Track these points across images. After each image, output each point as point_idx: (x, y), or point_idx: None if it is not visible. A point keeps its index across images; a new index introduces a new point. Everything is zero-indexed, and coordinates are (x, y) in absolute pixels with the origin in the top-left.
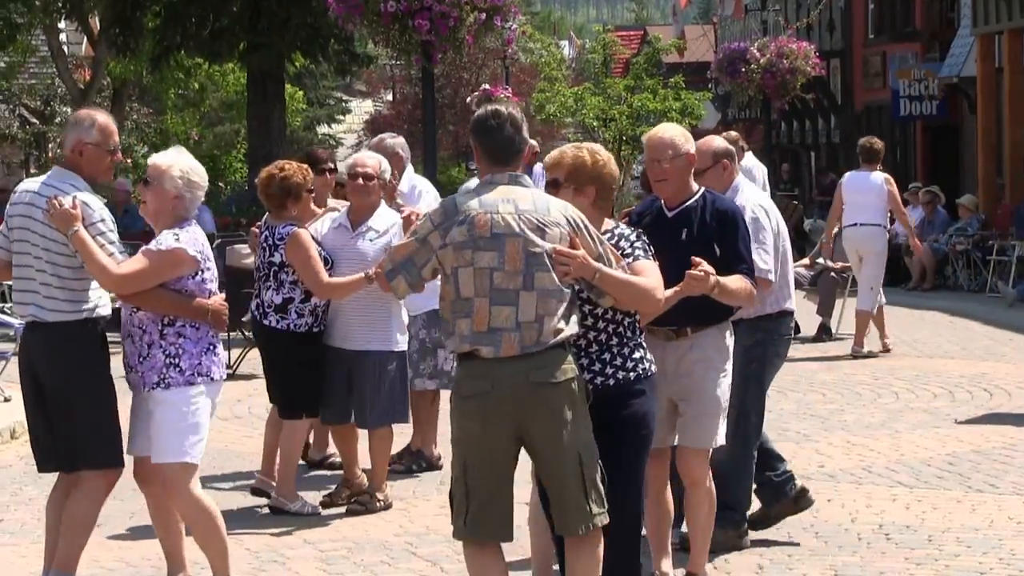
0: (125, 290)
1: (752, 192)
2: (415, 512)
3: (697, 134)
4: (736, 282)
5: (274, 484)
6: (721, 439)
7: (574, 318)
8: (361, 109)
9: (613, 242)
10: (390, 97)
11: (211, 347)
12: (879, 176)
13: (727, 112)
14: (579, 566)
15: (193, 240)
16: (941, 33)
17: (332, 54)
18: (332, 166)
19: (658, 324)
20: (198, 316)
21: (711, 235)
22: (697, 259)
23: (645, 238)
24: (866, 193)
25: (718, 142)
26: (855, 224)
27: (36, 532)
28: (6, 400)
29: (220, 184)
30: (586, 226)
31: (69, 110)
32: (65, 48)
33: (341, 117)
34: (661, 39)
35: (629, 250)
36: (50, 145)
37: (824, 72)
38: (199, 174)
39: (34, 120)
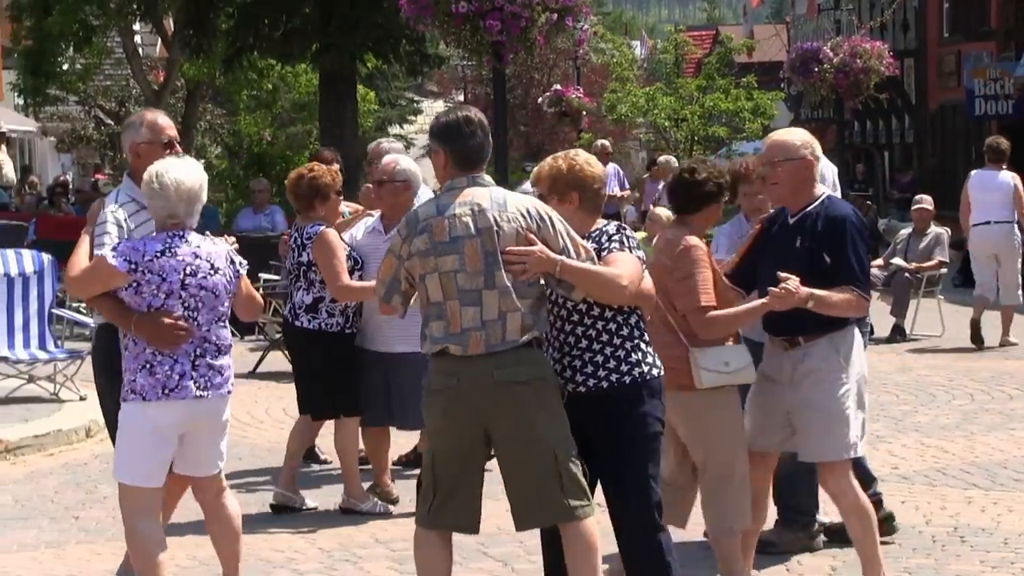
0: (73, 291)
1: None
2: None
3: (769, 134)
4: (838, 294)
5: (295, 497)
6: (852, 450)
7: (542, 315)
8: (432, 110)
9: (594, 239)
10: (461, 98)
11: (147, 365)
12: (1007, 175)
13: (799, 112)
14: (574, 552)
15: (130, 250)
16: (1017, 32)
17: (403, 55)
18: (339, 166)
19: (774, 333)
20: (131, 330)
21: (823, 243)
22: (783, 274)
23: (628, 234)
24: (993, 191)
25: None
26: (987, 223)
27: (111, 530)
28: (82, 399)
29: None
30: (550, 219)
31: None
32: (140, 50)
33: (412, 118)
34: (733, 39)
35: (606, 244)
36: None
37: (898, 72)
38: (163, 182)
39: (109, 121)
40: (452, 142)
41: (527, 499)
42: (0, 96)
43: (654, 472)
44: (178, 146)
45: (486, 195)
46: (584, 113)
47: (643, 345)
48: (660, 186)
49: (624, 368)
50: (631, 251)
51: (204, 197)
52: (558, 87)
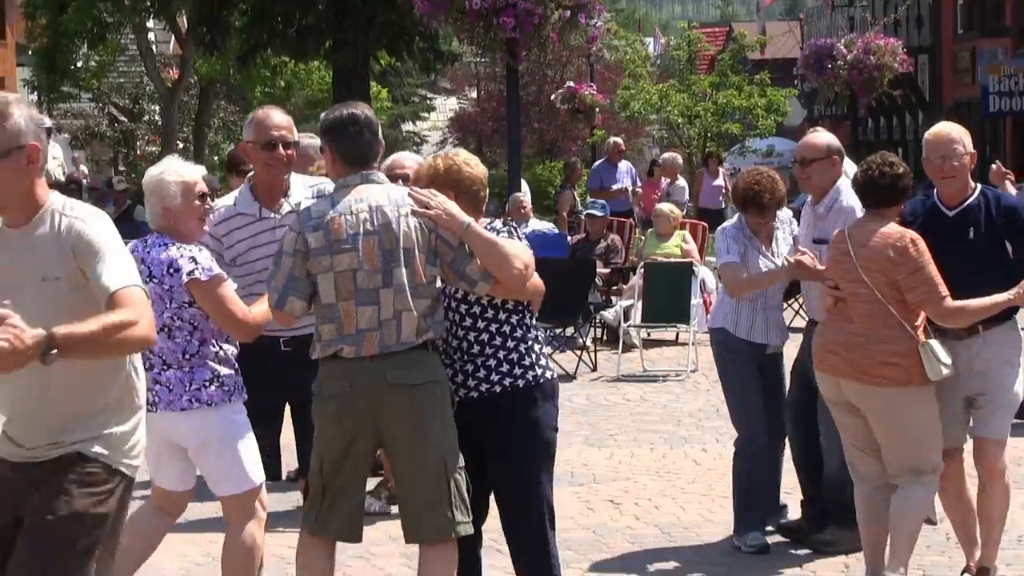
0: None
1: (850, 191)
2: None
3: (782, 131)
4: None
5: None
6: (1008, 433)
7: (437, 317)
8: (446, 107)
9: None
10: (475, 94)
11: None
12: None
13: (813, 109)
14: (428, 573)
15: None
16: None
17: (417, 52)
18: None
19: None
20: None
21: (1000, 232)
22: None
23: (514, 226)
24: None
25: (831, 137)
26: None
27: None
28: None
29: None
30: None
31: (157, 108)
32: (153, 47)
33: (426, 115)
34: (746, 35)
35: (497, 234)
36: (138, 143)
37: (912, 68)
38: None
39: (123, 118)
40: (337, 139)
41: (414, 510)
42: (15, 92)
43: (547, 478)
44: (283, 149)
45: (382, 192)
46: (597, 110)
47: (536, 347)
48: (666, 184)
49: (518, 371)
50: (520, 240)
51: (156, 199)
52: (571, 84)
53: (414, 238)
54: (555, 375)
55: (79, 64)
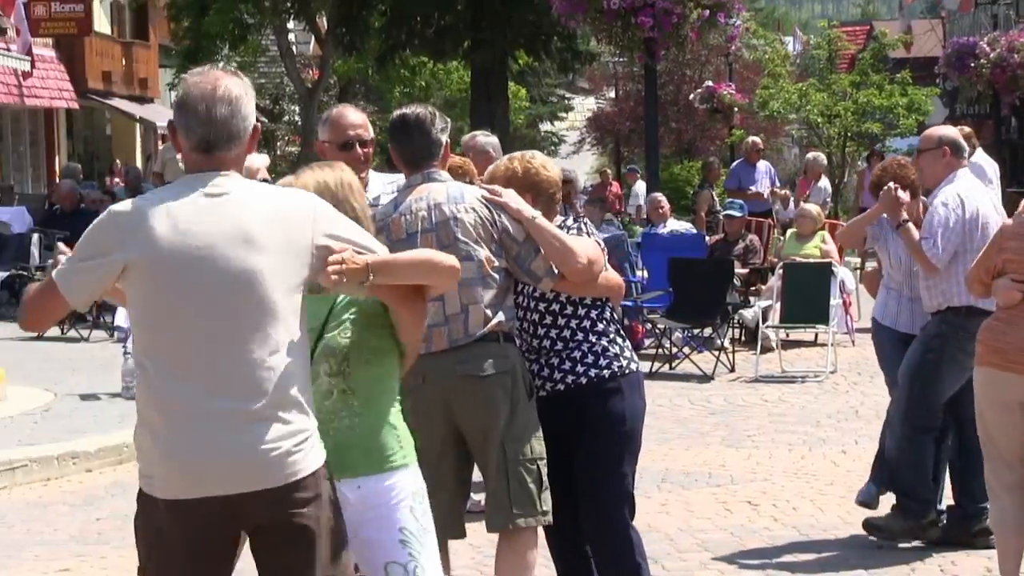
0: None
1: (961, 184)
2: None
3: (924, 131)
4: None
5: None
6: None
7: (507, 306)
8: (584, 106)
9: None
10: (613, 94)
11: None
12: None
13: (955, 108)
14: (499, 565)
15: None
16: None
17: (555, 51)
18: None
19: None
20: None
21: None
22: None
23: (587, 225)
24: None
25: (948, 130)
26: None
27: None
28: None
29: None
30: (503, 211)
31: (297, 108)
32: (293, 48)
33: (564, 114)
34: (888, 34)
35: (568, 231)
36: (278, 143)
37: None
38: None
39: (263, 119)
40: (392, 143)
41: (492, 499)
42: (158, 94)
43: (628, 469)
44: (360, 148)
45: (442, 190)
46: (736, 109)
47: (619, 339)
48: (814, 184)
49: (603, 363)
50: (590, 236)
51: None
52: (710, 83)
53: (475, 232)
54: (639, 368)
55: (221, 65)
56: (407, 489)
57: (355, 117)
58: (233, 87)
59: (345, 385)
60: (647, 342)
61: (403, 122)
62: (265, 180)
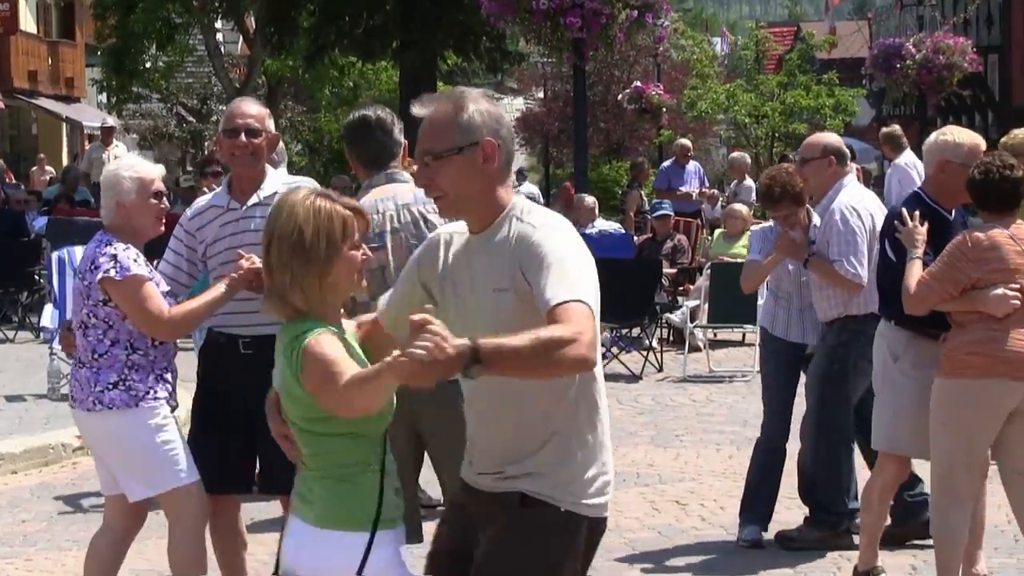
0: None
1: (851, 194)
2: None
3: (850, 131)
4: None
5: (424, 493)
6: None
7: None
8: (513, 107)
9: None
10: (541, 94)
11: None
12: None
13: (881, 108)
14: None
15: None
16: None
17: (484, 52)
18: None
19: (933, 327)
20: None
21: None
22: None
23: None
24: None
25: (832, 138)
26: None
27: None
28: None
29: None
30: None
31: (224, 108)
32: (221, 47)
33: None
34: (815, 35)
35: None
36: (206, 143)
37: (981, 68)
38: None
39: (191, 119)
40: (352, 143)
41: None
42: (84, 94)
43: None
44: (248, 137)
45: (407, 190)
46: (664, 110)
47: None
48: (734, 184)
49: None
50: None
51: (111, 194)
52: (638, 84)
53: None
54: None
55: (148, 65)
56: None
57: (248, 108)
58: None
59: None
60: None
61: (364, 122)
62: (160, 192)
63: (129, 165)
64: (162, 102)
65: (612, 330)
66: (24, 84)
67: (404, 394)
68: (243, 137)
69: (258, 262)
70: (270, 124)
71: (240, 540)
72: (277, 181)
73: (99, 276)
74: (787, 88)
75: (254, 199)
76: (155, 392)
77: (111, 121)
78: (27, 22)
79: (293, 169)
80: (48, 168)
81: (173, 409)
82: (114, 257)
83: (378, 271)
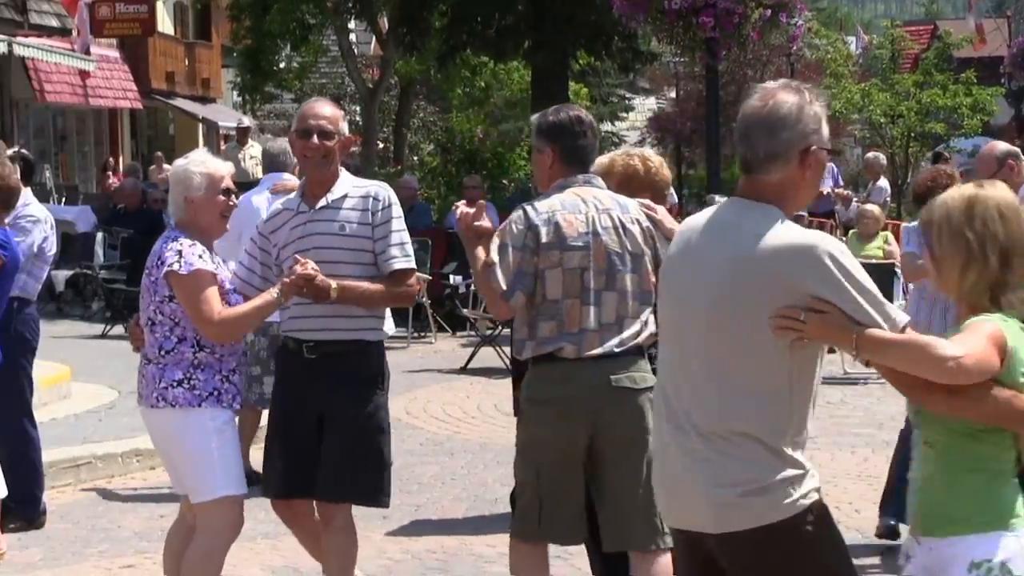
0: None
1: None
2: None
3: (989, 130)
4: None
5: None
6: None
7: (651, 322)
8: (644, 106)
9: None
10: (673, 94)
11: None
12: None
13: (1020, 108)
14: None
15: None
16: None
17: (616, 51)
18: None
19: None
20: None
21: None
22: None
23: None
24: None
25: (999, 145)
26: None
27: None
28: None
29: (504, 182)
30: (654, 224)
31: (358, 109)
32: (355, 48)
33: (624, 115)
34: (952, 33)
35: None
36: None
37: None
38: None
39: None
40: (564, 140)
41: (624, 517)
42: (220, 94)
43: None
44: (319, 139)
45: (607, 196)
46: None
47: None
48: (869, 184)
49: None
50: None
51: (180, 189)
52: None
53: (641, 244)
54: None
55: (282, 65)
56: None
57: (323, 109)
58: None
59: None
60: None
61: (579, 120)
62: (229, 189)
63: (199, 161)
64: (296, 102)
65: None
66: (161, 85)
67: (588, 403)
68: (315, 139)
69: (312, 267)
70: (344, 127)
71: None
72: (348, 184)
73: (164, 270)
74: (923, 87)
75: (323, 202)
76: (219, 394)
77: (246, 121)
78: (164, 24)
79: (425, 169)
80: (166, 166)
81: (236, 413)
82: (179, 252)
83: (577, 271)
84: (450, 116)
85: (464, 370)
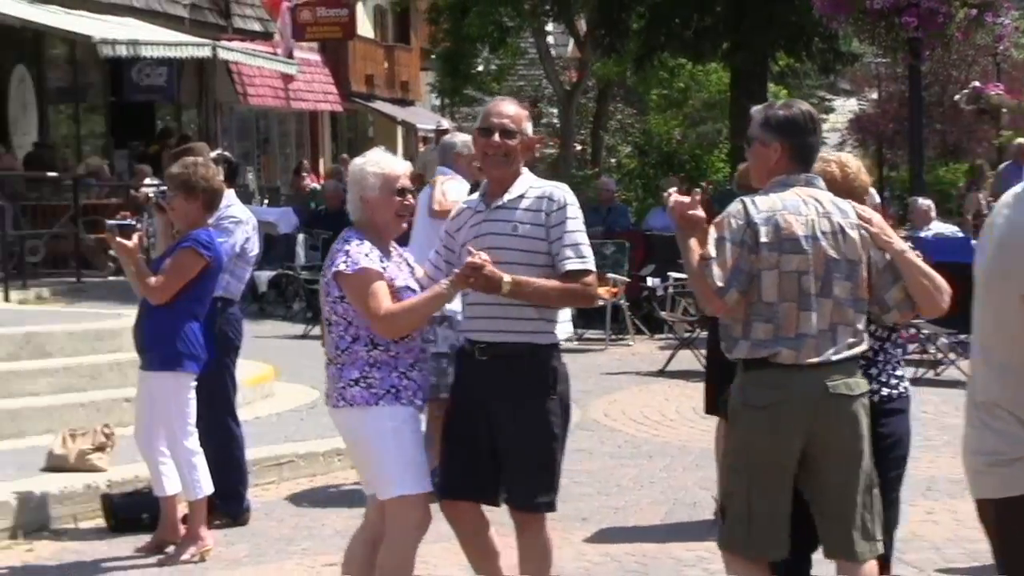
0: None
1: None
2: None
3: None
4: None
5: None
6: None
7: (865, 333)
8: (845, 108)
9: None
10: (875, 95)
11: None
12: None
13: None
14: None
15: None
16: None
17: (816, 52)
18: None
19: None
20: None
21: None
22: None
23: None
24: None
25: None
26: None
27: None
28: None
29: (702, 184)
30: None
31: (556, 111)
32: (552, 50)
33: (825, 116)
34: None
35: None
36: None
37: None
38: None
39: None
40: (795, 136)
41: (844, 525)
42: (419, 97)
43: (899, 486)
44: (501, 137)
45: (827, 198)
46: (1004, 110)
47: (902, 364)
48: None
49: (893, 382)
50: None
51: (356, 189)
52: (977, 84)
53: (859, 251)
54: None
55: (480, 68)
56: None
57: (506, 108)
58: None
59: None
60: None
61: (812, 118)
62: (405, 188)
63: (375, 160)
64: None
65: (950, 335)
66: (361, 88)
67: (805, 410)
68: (497, 137)
69: (483, 259)
70: (527, 127)
71: (490, 548)
72: (526, 184)
73: (332, 271)
74: None
75: (499, 201)
76: (397, 391)
77: (445, 123)
78: (364, 28)
79: (623, 171)
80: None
81: (420, 409)
82: (347, 252)
83: (795, 275)
84: (647, 118)
85: (662, 373)
